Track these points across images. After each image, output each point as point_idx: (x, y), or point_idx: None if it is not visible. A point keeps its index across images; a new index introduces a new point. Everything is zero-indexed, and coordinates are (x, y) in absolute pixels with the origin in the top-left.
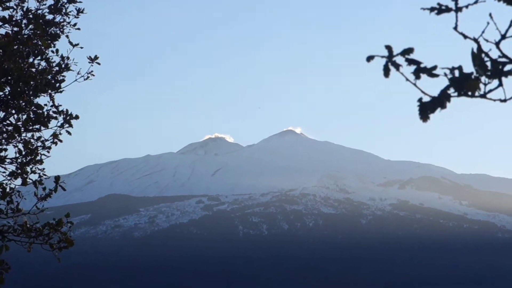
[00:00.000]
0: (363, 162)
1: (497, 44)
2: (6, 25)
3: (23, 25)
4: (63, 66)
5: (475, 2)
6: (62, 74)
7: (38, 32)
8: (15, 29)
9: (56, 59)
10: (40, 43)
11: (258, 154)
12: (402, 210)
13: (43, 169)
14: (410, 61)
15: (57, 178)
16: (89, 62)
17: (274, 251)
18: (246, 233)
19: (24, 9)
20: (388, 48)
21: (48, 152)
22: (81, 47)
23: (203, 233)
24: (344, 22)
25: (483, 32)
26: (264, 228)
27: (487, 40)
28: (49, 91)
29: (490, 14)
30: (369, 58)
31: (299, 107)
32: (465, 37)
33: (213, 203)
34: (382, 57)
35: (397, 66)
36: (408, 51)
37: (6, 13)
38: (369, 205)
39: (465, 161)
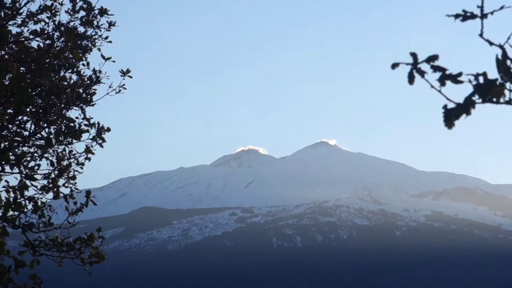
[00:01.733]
0: (397, 173)
1: None
2: (38, 38)
3: (55, 38)
4: (94, 79)
5: (501, 8)
6: (93, 88)
7: (70, 44)
8: (47, 42)
9: (87, 72)
10: (71, 56)
11: (292, 165)
12: (437, 221)
13: (75, 183)
14: (435, 68)
15: (88, 193)
16: (121, 76)
17: (308, 263)
18: (280, 245)
19: (56, 22)
20: (413, 55)
21: (82, 168)
22: (113, 61)
23: (237, 246)
24: (374, 32)
25: (509, 38)
26: (298, 240)
27: None
28: (81, 104)
29: None
30: (394, 66)
31: (333, 119)
32: (491, 43)
33: (247, 215)
34: (407, 64)
35: (422, 73)
36: (433, 58)
37: (37, 26)
38: (403, 216)
39: (499, 171)
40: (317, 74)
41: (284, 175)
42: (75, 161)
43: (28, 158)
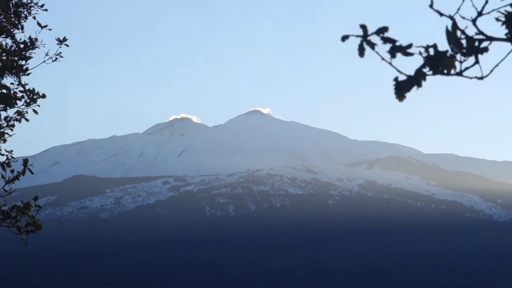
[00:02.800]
0: (330, 142)
1: (473, 21)
2: None
3: None
4: (29, 44)
5: None
6: (29, 52)
7: (2, 8)
8: None
9: (23, 39)
10: (5, 20)
11: (225, 134)
12: (370, 191)
13: (11, 151)
14: (386, 40)
15: (25, 161)
16: (58, 44)
17: (241, 232)
18: (213, 214)
19: None
20: (363, 27)
21: (12, 130)
22: (50, 29)
23: (169, 214)
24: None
25: (458, 9)
26: (231, 209)
27: (463, 18)
28: (16, 72)
29: None
30: (344, 38)
31: (266, 87)
32: (441, 14)
33: (180, 184)
34: (357, 36)
35: (372, 45)
36: (383, 29)
37: None
38: (337, 186)
39: (432, 141)
40: (251, 42)
41: (217, 143)
42: (6, 123)
43: None
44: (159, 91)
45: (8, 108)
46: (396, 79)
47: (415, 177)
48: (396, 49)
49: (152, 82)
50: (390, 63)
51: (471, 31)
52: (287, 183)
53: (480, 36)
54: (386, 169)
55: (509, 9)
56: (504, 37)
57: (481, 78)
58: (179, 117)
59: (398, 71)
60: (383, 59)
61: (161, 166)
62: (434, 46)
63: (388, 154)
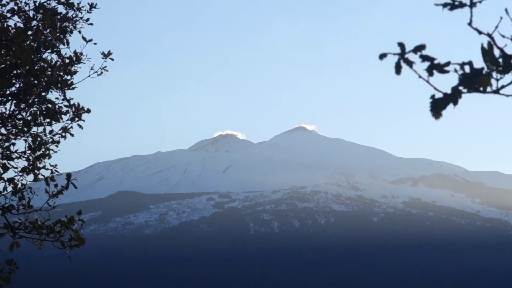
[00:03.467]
0: (375, 159)
1: None
2: (16, 17)
3: (33, 18)
4: (74, 59)
5: None
6: (74, 68)
7: (48, 23)
8: (25, 22)
9: (68, 53)
10: (50, 35)
11: (269, 151)
12: (414, 208)
13: (55, 165)
14: (424, 58)
15: (68, 175)
16: (103, 58)
17: (285, 248)
18: (257, 231)
19: (36, 3)
20: (401, 45)
21: (57, 146)
22: (95, 43)
23: (213, 231)
24: (358, 19)
25: (496, 27)
26: (275, 226)
27: (503, 36)
28: (61, 86)
29: (506, 9)
30: (382, 56)
31: (311, 104)
32: (480, 32)
33: (224, 200)
34: (395, 54)
35: (410, 63)
36: (420, 47)
37: (16, 6)
38: (381, 203)
39: (477, 158)
40: (296, 59)
41: (262, 160)
42: (51, 139)
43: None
44: (204, 107)
45: (53, 122)
46: (432, 96)
47: (460, 195)
48: (434, 67)
49: (197, 98)
50: (427, 81)
51: (510, 50)
52: (331, 200)
53: None
54: (431, 186)
55: None
56: None
57: None
58: (224, 133)
59: (435, 89)
60: (420, 77)
61: (205, 183)
62: (470, 64)
63: (433, 171)
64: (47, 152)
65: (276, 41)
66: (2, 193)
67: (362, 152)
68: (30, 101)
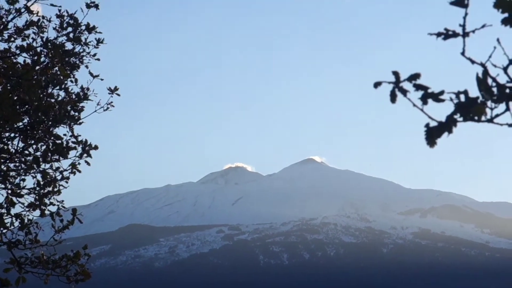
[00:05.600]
0: (384, 191)
1: (505, 69)
2: (25, 54)
3: (42, 54)
4: (82, 96)
5: (482, 27)
6: (81, 105)
7: (56, 60)
8: (34, 58)
9: (75, 89)
10: (59, 72)
11: (279, 183)
12: (424, 239)
13: (62, 201)
14: (418, 87)
15: (74, 210)
16: (109, 93)
17: (295, 280)
18: (267, 263)
19: (44, 39)
20: (395, 73)
21: (67, 182)
22: (102, 79)
23: (224, 263)
24: (357, 50)
25: (490, 56)
26: (285, 258)
27: (495, 66)
28: (68, 122)
29: (497, 39)
30: (376, 85)
31: (320, 136)
32: (473, 62)
33: (234, 233)
34: (389, 83)
35: (404, 92)
36: (415, 76)
37: (25, 43)
38: (391, 234)
39: (486, 189)
40: (303, 92)
41: (271, 192)
42: (60, 176)
43: (14, 174)
44: (213, 140)
45: (61, 159)
46: (427, 125)
47: (469, 225)
48: (428, 96)
49: (206, 131)
50: (422, 110)
51: (502, 79)
52: (341, 231)
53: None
54: (440, 217)
55: None
56: None
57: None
58: (233, 166)
59: (430, 117)
60: (414, 105)
61: (215, 215)
62: (465, 93)
63: (442, 202)
64: (57, 189)
65: (286, 73)
66: (9, 228)
67: (371, 184)
68: (38, 136)
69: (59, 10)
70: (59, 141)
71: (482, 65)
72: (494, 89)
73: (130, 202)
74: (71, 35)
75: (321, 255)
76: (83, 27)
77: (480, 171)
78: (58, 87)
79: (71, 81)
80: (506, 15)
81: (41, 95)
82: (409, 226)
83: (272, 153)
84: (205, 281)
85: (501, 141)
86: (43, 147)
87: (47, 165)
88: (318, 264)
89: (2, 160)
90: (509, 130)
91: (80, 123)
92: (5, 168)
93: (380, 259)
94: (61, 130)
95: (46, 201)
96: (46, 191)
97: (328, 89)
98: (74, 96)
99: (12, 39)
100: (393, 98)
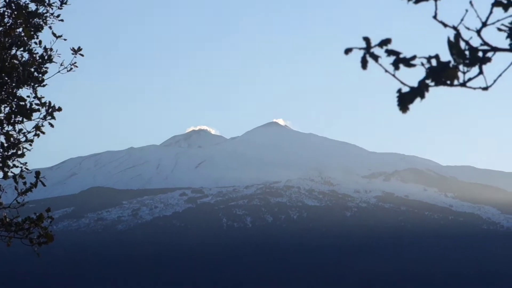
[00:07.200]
0: (348, 154)
1: (478, 31)
2: None
3: (5, 15)
4: (46, 57)
5: None
6: (45, 66)
7: (20, 21)
8: None
9: (39, 51)
10: (23, 33)
11: (242, 146)
12: (387, 203)
13: (25, 163)
14: (390, 52)
15: (37, 173)
16: (72, 54)
17: (258, 243)
18: (230, 226)
19: (7, 0)
20: (366, 39)
21: (31, 145)
22: (65, 39)
23: (186, 226)
24: (325, 13)
25: (462, 20)
26: (248, 221)
27: (468, 28)
28: (32, 83)
29: (470, 2)
30: (347, 51)
31: (284, 99)
32: (445, 25)
33: (197, 196)
34: (360, 48)
35: (375, 58)
36: (386, 41)
37: None
38: (354, 198)
39: (450, 153)
40: (268, 54)
41: (235, 155)
42: (24, 138)
43: None
44: (176, 102)
45: (25, 120)
46: (399, 91)
47: (433, 189)
48: (400, 61)
49: (169, 93)
50: (393, 75)
51: (475, 42)
52: (304, 195)
53: (485, 47)
54: (403, 181)
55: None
56: (508, 47)
57: (486, 88)
58: (196, 128)
59: (402, 83)
60: (386, 71)
61: (178, 178)
62: (436, 57)
63: (406, 166)
64: (21, 151)
65: (250, 35)
66: None
67: (335, 147)
68: (1, 98)
69: None
70: (23, 103)
71: (455, 28)
72: (467, 53)
73: (93, 164)
74: None
75: (284, 219)
76: None
77: (444, 135)
78: (22, 49)
79: (35, 43)
80: None
81: (5, 57)
82: (373, 190)
83: (235, 116)
84: (168, 243)
85: (466, 104)
86: (7, 109)
87: (11, 127)
88: (281, 227)
89: None
90: (473, 93)
91: (43, 85)
92: None
93: (344, 223)
94: (24, 92)
95: (9, 163)
96: (9, 153)
97: (293, 51)
98: (38, 58)
99: None
100: (364, 64)
